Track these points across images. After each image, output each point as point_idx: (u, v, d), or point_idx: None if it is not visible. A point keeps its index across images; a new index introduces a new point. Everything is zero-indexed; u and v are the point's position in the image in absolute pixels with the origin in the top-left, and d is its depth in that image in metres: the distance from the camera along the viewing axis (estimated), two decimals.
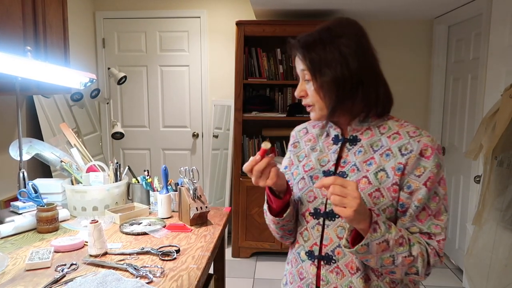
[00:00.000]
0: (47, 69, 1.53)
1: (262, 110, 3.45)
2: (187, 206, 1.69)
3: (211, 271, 1.79)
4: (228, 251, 3.47)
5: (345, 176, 0.99)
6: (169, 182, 1.87)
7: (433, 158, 0.92)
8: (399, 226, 0.95)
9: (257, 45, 3.45)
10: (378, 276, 0.98)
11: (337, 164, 1.02)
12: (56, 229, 1.64)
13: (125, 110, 3.87)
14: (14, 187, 2.20)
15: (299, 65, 1.00)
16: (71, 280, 1.20)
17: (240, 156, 3.39)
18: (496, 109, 2.12)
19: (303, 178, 1.07)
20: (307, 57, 0.96)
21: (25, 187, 1.73)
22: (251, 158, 0.95)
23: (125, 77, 3.22)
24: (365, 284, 0.96)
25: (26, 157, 1.91)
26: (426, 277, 0.96)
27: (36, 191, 1.68)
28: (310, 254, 1.04)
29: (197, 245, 1.49)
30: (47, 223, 1.61)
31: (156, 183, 1.95)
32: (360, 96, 0.97)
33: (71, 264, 1.31)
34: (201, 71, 3.75)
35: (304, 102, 1.03)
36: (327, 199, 1.01)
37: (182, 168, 1.74)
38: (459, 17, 3.24)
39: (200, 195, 1.74)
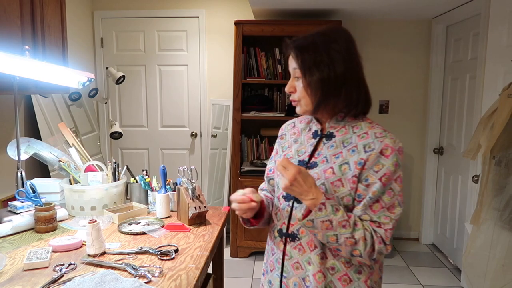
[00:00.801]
0: (46, 68, 1.53)
1: (260, 110, 3.45)
2: (186, 205, 1.69)
3: (209, 270, 1.79)
4: (226, 251, 3.47)
5: (315, 165, 1.12)
6: (167, 181, 1.87)
7: (391, 157, 1.03)
8: (353, 212, 1.07)
9: (255, 44, 3.45)
10: (335, 256, 1.09)
11: (311, 155, 1.15)
12: (54, 229, 1.64)
13: (123, 110, 3.86)
14: (12, 187, 2.19)
15: (292, 64, 1.11)
16: (69, 280, 1.20)
17: (239, 155, 3.39)
18: (494, 108, 2.12)
19: None
20: (300, 57, 1.07)
21: (23, 187, 1.73)
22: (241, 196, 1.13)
23: (123, 76, 3.21)
24: (321, 261, 1.09)
25: (24, 156, 1.91)
26: (372, 262, 1.06)
27: (34, 191, 1.68)
28: (280, 232, 1.18)
29: (196, 245, 1.49)
30: (45, 223, 1.61)
31: (154, 183, 1.95)
32: (343, 97, 1.08)
33: (69, 264, 1.30)
34: (199, 70, 3.75)
35: (291, 97, 1.15)
36: None
37: (180, 168, 1.74)
38: (457, 17, 3.25)
39: (199, 195, 1.73)
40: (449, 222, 3.44)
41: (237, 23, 3.25)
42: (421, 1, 3.00)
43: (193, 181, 1.73)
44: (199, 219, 1.72)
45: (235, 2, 3.63)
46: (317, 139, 1.16)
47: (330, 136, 1.13)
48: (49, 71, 1.57)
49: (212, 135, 3.74)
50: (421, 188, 3.84)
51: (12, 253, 1.41)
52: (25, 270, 1.27)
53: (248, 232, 3.42)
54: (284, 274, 1.16)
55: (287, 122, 1.32)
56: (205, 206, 1.73)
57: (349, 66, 1.06)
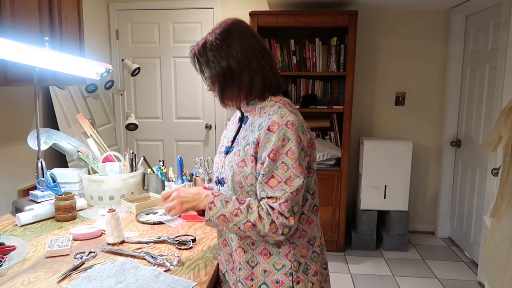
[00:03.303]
0: (66, 59, 1.54)
1: None
2: None
3: None
4: None
5: (231, 150, 1.19)
6: (184, 172, 1.88)
7: (278, 132, 1.06)
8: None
9: (270, 36, 3.43)
10: None
11: (233, 141, 1.22)
12: (74, 218, 1.67)
13: (138, 102, 3.89)
14: (31, 177, 2.23)
15: None
16: (90, 267, 1.22)
17: None
18: None
19: (216, 153, 1.31)
20: (196, 62, 1.17)
21: (43, 177, 1.76)
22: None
23: (138, 68, 3.23)
24: (239, 237, 1.16)
25: (43, 147, 1.94)
26: (283, 236, 1.07)
27: (54, 181, 1.70)
28: None
29: (213, 235, 1.50)
30: (65, 212, 1.64)
31: (171, 173, 1.96)
32: (237, 86, 1.14)
33: (90, 252, 1.33)
34: None
35: (213, 93, 1.22)
36: (220, 169, 1.22)
37: (197, 159, 1.75)
38: (477, 6, 3.17)
39: None
40: (466, 216, 3.39)
41: (252, 14, 3.22)
42: None
43: (209, 171, 1.73)
44: None
45: None
46: (238, 124, 1.24)
47: (246, 120, 1.20)
48: (69, 62, 1.58)
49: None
50: (438, 181, 3.78)
51: (34, 240, 1.44)
52: (47, 257, 1.30)
53: None
54: (218, 251, 1.28)
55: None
56: None
57: (231, 58, 1.12)
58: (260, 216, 1.06)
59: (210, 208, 1.11)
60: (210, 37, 1.14)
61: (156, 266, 1.24)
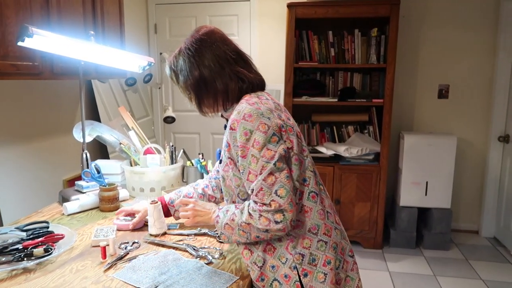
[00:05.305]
0: (112, 53, 1.56)
1: (312, 95, 3.37)
2: None
3: None
4: None
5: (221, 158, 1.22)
6: None
7: (239, 128, 1.07)
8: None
9: (308, 27, 3.36)
10: None
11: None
12: (117, 208, 1.70)
13: (176, 95, 3.94)
14: (74, 167, 2.31)
15: None
16: (134, 257, 1.24)
17: None
18: None
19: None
20: (170, 71, 1.22)
21: (88, 168, 1.80)
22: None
23: None
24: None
25: (88, 139, 1.99)
26: (281, 224, 1.03)
27: (98, 172, 1.75)
28: None
29: None
30: (109, 202, 1.68)
31: (210, 166, 1.96)
32: (212, 92, 1.17)
33: (133, 242, 1.35)
34: (250, 55, 3.71)
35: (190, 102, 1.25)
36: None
37: None
38: None
39: None
40: None
41: (290, 6, 3.17)
42: None
43: None
44: None
45: None
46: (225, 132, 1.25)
47: (226, 126, 1.19)
48: (114, 56, 1.61)
49: None
50: (483, 178, 3.60)
51: (80, 229, 1.48)
52: (93, 246, 1.33)
53: None
54: None
55: None
56: None
57: (203, 67, 1.15)
58: (249, 214, 1.07)
59: (217, 222, 1.14)
60: (183, 46, 1.19)
61: (198, 258, 1.25)
